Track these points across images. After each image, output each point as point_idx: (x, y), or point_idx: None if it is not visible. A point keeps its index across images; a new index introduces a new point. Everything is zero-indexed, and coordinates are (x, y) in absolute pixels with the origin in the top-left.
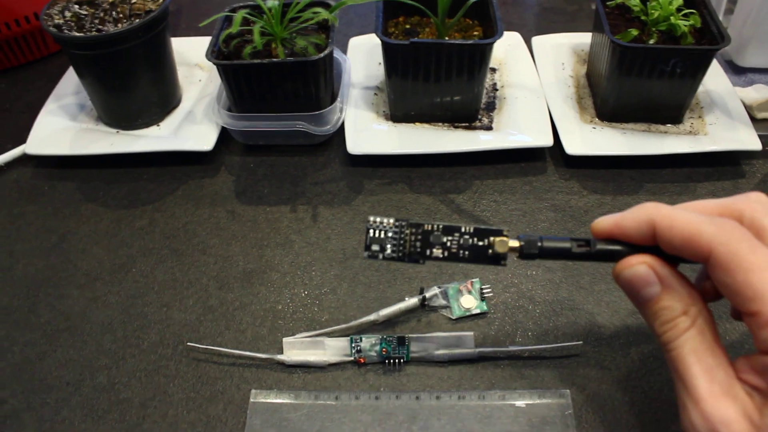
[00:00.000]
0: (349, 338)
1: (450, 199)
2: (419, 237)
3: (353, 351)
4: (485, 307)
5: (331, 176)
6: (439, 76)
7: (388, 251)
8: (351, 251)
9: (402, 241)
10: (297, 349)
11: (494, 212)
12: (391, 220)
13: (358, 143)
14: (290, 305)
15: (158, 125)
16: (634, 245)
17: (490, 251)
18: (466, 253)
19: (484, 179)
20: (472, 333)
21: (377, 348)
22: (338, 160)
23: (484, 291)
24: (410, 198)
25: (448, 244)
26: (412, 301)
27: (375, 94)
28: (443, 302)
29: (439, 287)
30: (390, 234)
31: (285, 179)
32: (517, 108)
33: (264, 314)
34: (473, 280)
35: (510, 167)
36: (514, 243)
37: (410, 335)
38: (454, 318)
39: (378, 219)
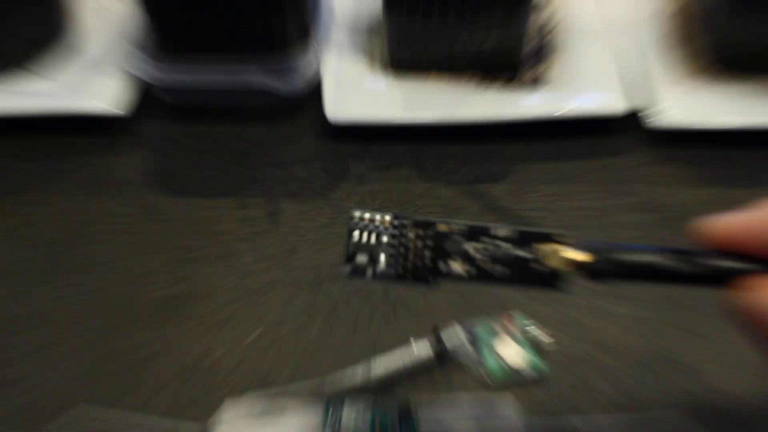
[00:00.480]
0: (324, 403)
1: (480, 191)
2: (430, 243)
3: (328, 426)
4: (542, 365)
5: (301, 155)
6: (463, 10)
7: (382, 265)
8: (328, 269)
9: (403, 250)
10: (241, 422)
11: (547, 212)
12: (387, 217)
13: (342, 107)
14: (233, 351)
15: (41, 75)
16: (760, 260)
17: (541, 267)
18: (504, 269)
19: (530, 163)
20: (512, 397)
21: (367, 422)
22: (312, 132)
23: (530, 330)
24: (419, 189)
25: (474, 254)
26: (421, 347)
27: (369, 37)
28: (470, 350)
29: (463, 326)
30: (385, 238)
31: (230, 159)
32: (577, 58)
33: (191, 365)
34: (511, 312)
35: (569, 146)
36: (580, 255)
37: (419, 401)
38: (494, 381)
39: (367, 215)
